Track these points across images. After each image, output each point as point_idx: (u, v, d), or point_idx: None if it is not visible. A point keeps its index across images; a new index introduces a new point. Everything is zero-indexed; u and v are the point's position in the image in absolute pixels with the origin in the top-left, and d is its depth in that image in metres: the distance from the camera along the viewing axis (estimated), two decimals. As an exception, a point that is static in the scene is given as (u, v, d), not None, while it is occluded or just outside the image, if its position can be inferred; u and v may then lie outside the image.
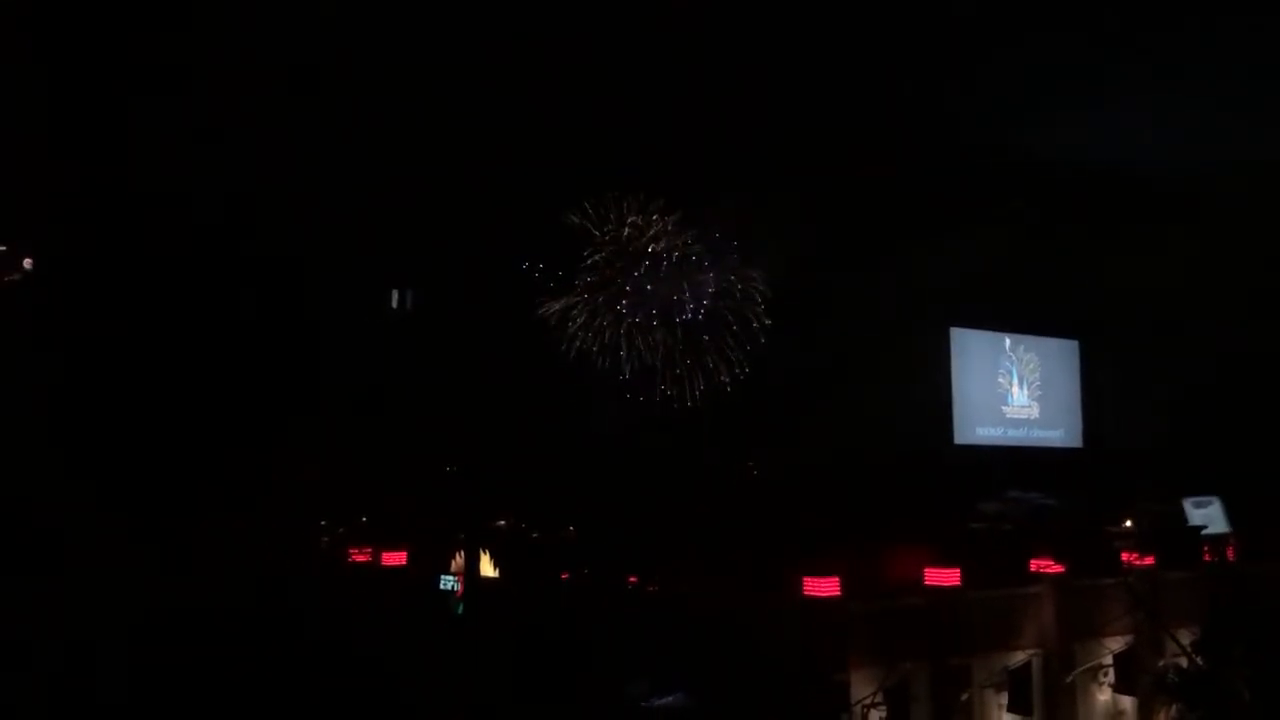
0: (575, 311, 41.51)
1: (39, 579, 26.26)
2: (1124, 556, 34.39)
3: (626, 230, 42.10)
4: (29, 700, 23.28)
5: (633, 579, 32.29)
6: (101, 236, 36.08)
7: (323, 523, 37.95)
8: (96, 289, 35.50)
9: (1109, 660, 31.45)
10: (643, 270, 42.23)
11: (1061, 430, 49.01)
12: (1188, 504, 39.73)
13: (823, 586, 26.28)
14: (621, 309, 41.87)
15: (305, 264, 39.64)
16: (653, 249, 42.52)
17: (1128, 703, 32.04)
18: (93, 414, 32.56)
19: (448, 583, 33.83)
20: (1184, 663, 29.16)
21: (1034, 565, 31.66)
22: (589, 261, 41.79)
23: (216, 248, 37.64)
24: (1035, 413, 48.06)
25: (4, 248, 36.17)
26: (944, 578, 28.73)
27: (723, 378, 41.94)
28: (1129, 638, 31.67)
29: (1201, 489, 40.44)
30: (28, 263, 36.62)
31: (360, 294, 42.39)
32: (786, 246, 42.03)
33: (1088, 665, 31.12)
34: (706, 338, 42.22)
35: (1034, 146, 44.07)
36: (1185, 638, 29.48)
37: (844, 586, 26.39)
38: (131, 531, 28.66)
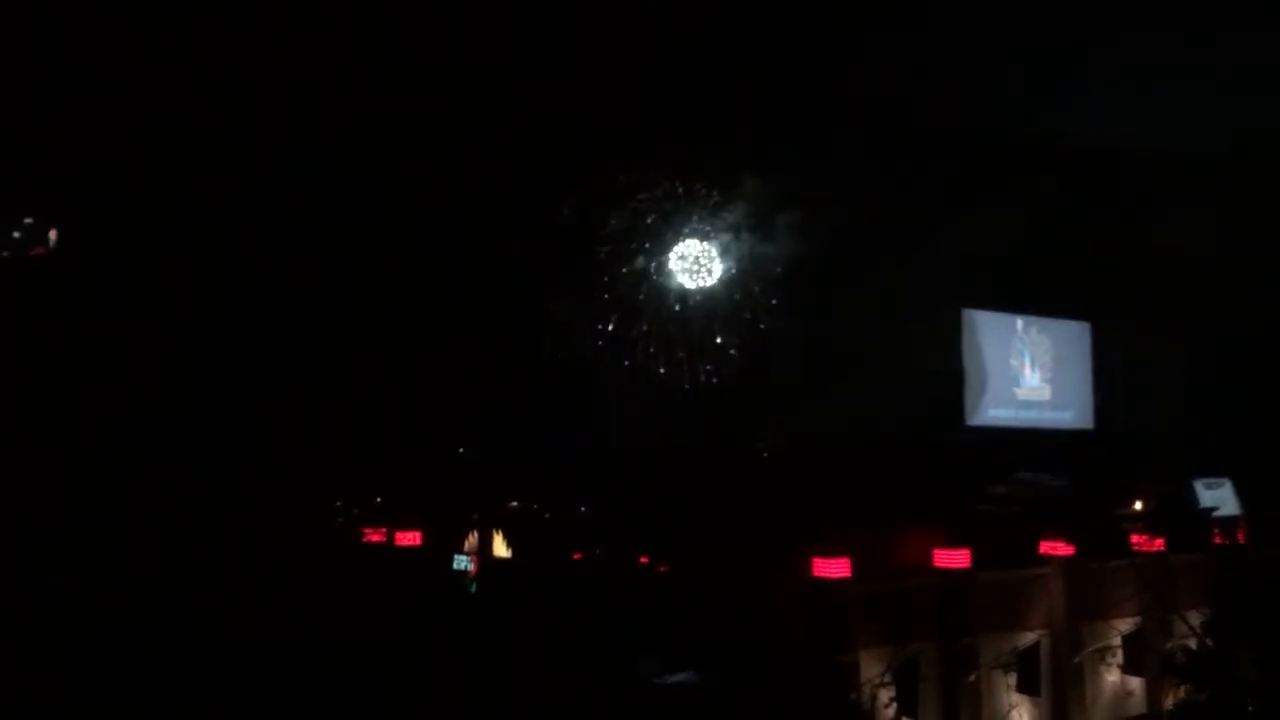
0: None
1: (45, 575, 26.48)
2: (1133, 538, 34.44)
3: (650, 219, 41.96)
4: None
5: (644, 559, 32.52)
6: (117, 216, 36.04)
7: (338, 503, 38.31)
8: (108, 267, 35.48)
9: (1117, 642, 31.59)
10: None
11: (1072, 412, 48.95)
12: (1198, 486, 39.69)
13: (832, 568, 26.46)
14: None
15: (315, 236, 39.59)
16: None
17: (1136, 684, 32.19)
18: (97, 396, 32.71)
19: (461, 563, 34.15)
20: (1193, 644, 29.32)
21: (1043, 547, 31.78)
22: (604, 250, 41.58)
23: (222, 224, 37.59)
24: (1047, 394, 48.04)
25: (30, 220, 35.90)
26: (953, 559, 28.88)
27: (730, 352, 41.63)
28: (1138, 619, 31.80)
29: (1213, 471, 40.43)
30: (53, 235, 36.45)
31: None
32: (798, 225, 41.97)
33: (1096, 646, 31.27)
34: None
35: (1048, 126, 43.89)
36: (1194, 619, 29.62)
37: (853, 567, 26.58)
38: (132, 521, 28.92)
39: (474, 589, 33.21)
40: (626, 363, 41.34)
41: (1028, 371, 47.50)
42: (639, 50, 39.55)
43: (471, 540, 36.02)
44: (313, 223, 38.78)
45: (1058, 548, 31.69)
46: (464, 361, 40.08)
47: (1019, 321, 47.44)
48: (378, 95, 38.46)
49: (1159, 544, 33.99)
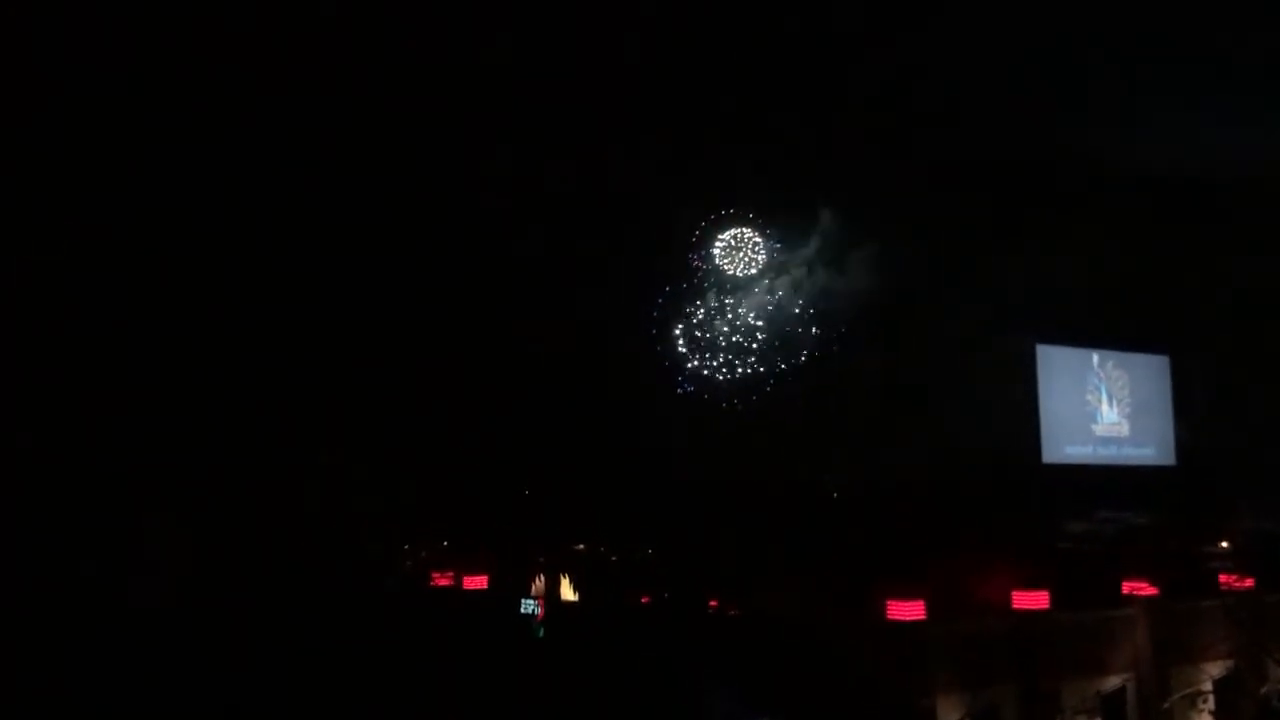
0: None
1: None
2: (1222, 578, 33.33)
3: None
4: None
5: (714, 602, 32.07)
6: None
7: (406, 546, 38.43)
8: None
9: (1209, 686, 30.42)
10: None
11: (1153, 448, 47.74)
12: (1288, 522, 38.43)
13: (907, 610, 25.86)
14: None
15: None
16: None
17: (1229, 730, 30.98)
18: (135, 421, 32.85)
19: (529, 606, 33.93)
20: (1288, 688, 28.17)
21: (1126, 587, 30.83)
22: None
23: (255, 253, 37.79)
24: (1125, 430, 46.92)
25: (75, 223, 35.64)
26: (1032, 600, 28.11)
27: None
28: (1229, 662, 30.63)
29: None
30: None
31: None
32: (872, 261, 41.73)
33: (1185, 691, 30.13)
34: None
35: (1125, 157, 43.15)
36: (1289, 662, 28.47)
37: (929, 609, 25.95)
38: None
39: (541, 634, 32.94)
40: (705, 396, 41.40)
41: (1105, 407, 46.41)
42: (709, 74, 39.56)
43: (538, 584, 35.88)
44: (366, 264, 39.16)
45: (1141, 588, 30.73)
46: (531, 404, 40.17)
47: (1095, 356, 46.45)
48: (419, 102, 38.68)
49: (1249, 583, 32.82)
